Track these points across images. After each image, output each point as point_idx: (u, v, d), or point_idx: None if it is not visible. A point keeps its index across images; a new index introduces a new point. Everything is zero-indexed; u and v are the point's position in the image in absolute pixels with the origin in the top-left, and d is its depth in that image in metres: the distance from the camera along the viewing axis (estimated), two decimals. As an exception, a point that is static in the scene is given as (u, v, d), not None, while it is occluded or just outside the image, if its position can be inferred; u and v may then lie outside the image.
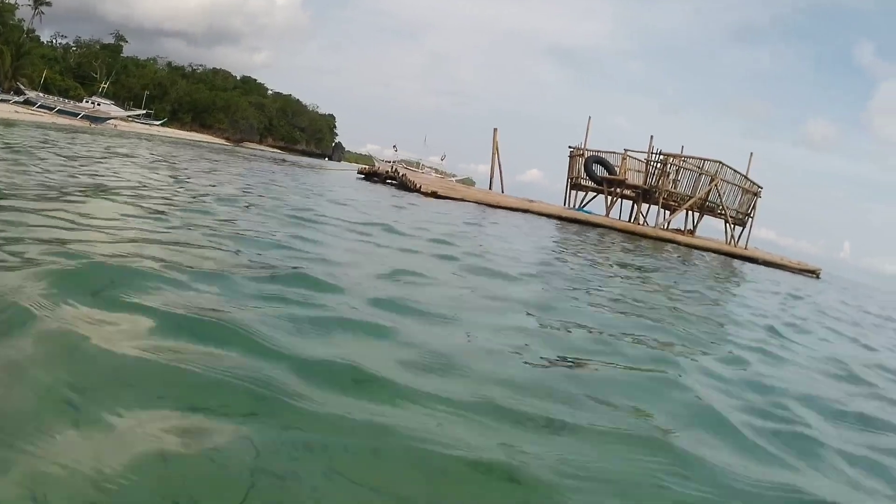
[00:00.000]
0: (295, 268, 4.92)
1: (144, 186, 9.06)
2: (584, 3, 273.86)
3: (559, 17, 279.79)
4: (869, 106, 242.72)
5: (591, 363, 3.95)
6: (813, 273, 35.10)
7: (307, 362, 2.80)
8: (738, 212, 35.23)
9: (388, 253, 7.20)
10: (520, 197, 32.21)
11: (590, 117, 37.05)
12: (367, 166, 35.22)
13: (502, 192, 34.53)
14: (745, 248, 34.27)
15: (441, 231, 10.96)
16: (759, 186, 35.73)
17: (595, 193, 35.68)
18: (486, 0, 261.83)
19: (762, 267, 28.50)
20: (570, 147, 36.42)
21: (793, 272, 31.94)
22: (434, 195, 24.49)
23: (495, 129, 33.91)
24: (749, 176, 35.24)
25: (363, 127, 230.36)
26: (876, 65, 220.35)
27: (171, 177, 11.80)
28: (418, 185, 25.50)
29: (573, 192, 36.46)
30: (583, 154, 35.37)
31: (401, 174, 29.37)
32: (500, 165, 34.49)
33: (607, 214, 33.24)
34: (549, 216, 26.68)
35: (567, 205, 35.35)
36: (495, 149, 33.80)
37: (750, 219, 35.70)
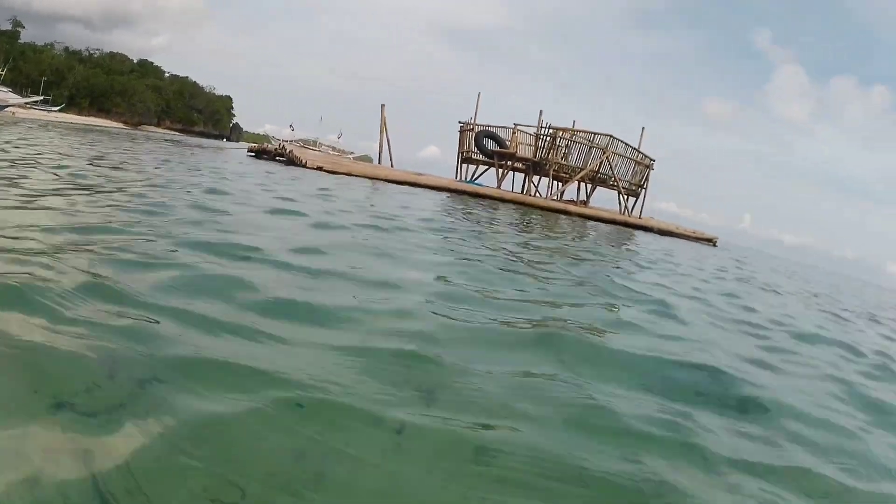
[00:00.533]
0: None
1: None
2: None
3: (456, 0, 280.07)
4: (765, 88, 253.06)
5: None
6: (709, 241, 35.47)
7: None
8: (630, 183, 35.02)
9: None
10: (413, 171, 30.98)
11: (479, 93, 36.12)
12: (257, 144, 33.74)
13: (392, 167, 33.33)
14: (640, 218, 34.21)
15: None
16: (651, 159, 35.68)
17: (486, 167, 34.94)
18: None
19: (658, 236, 28.34)
20: (460, 122, 35.59)
21: (689, 240, 32.14)
22: (320, 169, 23.69)
23: (382, 105, 32.66)
24: (641, 149, 35.11)
25: (261, 108, 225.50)
26: (772, 50, 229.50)
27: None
28: (304, 161, 24.57)
29: (464, 166, 35.66)
30: (472, 129, 34.65)
31: (288, 150, 28.05)
32: (388, 141, 33.34)
33: (498, 187, 32.45)
34: (437, 188, 25.46)
35: (458, 178, 34.36)
36: (383, 125, 32.65)
37: (643, 190, 35.57)
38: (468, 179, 33.80)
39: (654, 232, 30.75)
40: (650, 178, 35.60)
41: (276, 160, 28.30)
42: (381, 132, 32.71)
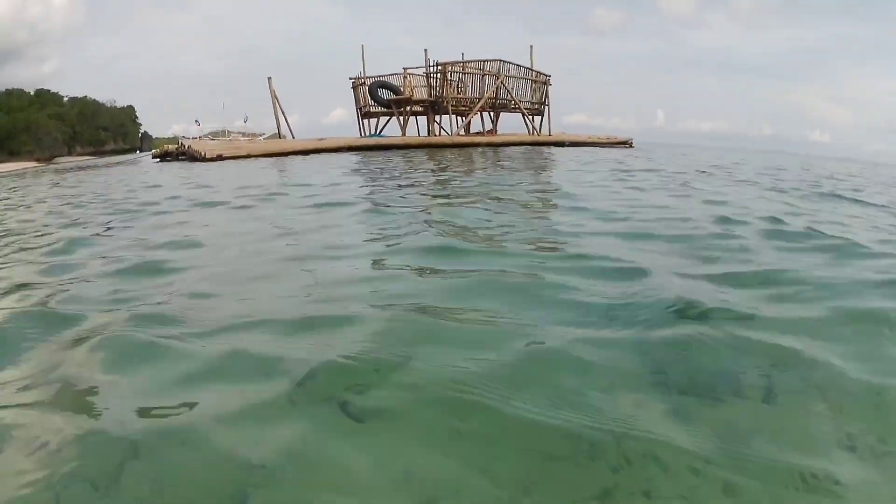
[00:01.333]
0: None
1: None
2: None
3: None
4: None
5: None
6: (625, 144, 35.88)
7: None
8: (531, 103, 35.04)
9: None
10: (316, 138, 30.11)
11: (362, 46, 35.43)
12: (158, 149, 32.47)
13: (293, 138, 32.42)
14: (550, 135, 34.31)
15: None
16: (546, 75, 35.70)
17: (387, 117, 34.38)
18: None
19: (573, 148, 28.44)
20: (350, 79, 34.86)
21: (604, 147, 32.39)
22: (220, 158, 22.61)
23: (269, 79, 31.35)
24: (535, 68, 35.00)
25: (165, 110, 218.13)
26: None
27: None
28: (204, 153, 23.41)
29: (366, 122, 35.06)
30: (364, 82, 33.97)
31: (187, 147, 26.93)
32: (283, 113, 32.31)
33: (403, 134, 31.98)
34: (340, 150, 24.87)
35: (362, 134, 33.77)
36: (274, 98, 31.46)
37: (546, 107, 35.62)
38: (372, 133, 33.18)
39: (567, 146, 30.86)
40: (549, 94, 35.71)
41: (179, 159, 27.23)
42: (274, 106, 31.64)
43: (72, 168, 32.72)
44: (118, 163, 36.78)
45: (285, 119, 32.60)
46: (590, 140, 34.19)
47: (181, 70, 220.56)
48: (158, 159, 29.63)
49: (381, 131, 34.31)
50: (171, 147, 29.04)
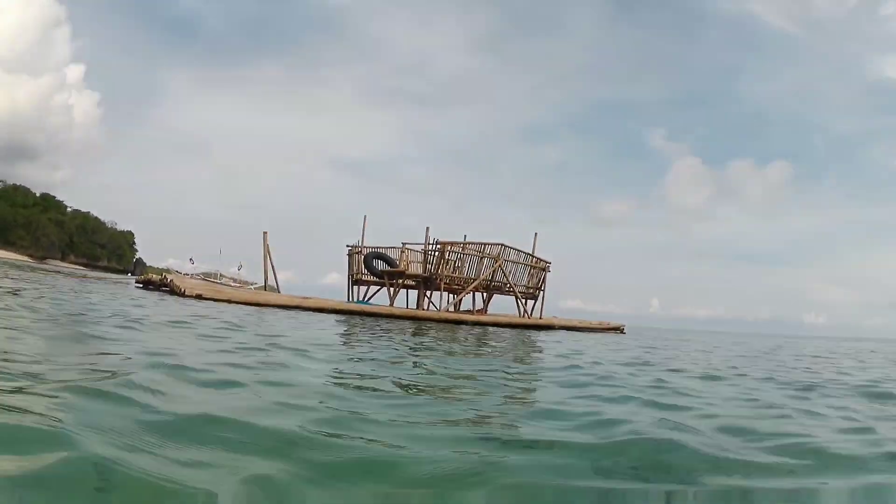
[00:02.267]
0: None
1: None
2: (366, 116, 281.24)
3: (343, 130, 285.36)
4: (662, 182, 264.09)
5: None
6: (617, 329, 35.32)
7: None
8: (527, 287, 34.68)
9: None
10: (303, 296, 29.50)
11: (365, 216, 35.51)
12: (143, 276, 32.37)
13: (279, 292, 31.93)
14: (541, 318, 33.71)
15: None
16: (546, 262, 35.61)
17: (378, 286, 34.03)
18: (272, 116, 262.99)
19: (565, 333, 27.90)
20: (347, 246, 34.88)
21: (595, 332, 31.85)
22: (199, 297, 22.28)
23: (265, 233, 31.56)
24: (536, 254, 34.97)
25: (162, 242, 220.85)
26: (667, 147, 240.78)
27: None
28: (183, 290, 23.11)
29: (355, 288, 34.69)
30: (360, 251, 33.95)
31: (169, 280, 26.70)
32: (273, 267, 32.07)
33: (391, 304, 31.44)
34: (324, 310, 24.17)
35: (350, 299, 33.26)
36: (266, 251, 31.45)
37: (541, 292, 35.23)
38: (360, 300, 32.68)
39: (557, 329, 30.28)
40: (547, 279, 35.42)
41: (161, 289, 27.05)
42: (265, 259, 31.52)
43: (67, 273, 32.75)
44: (107, 279, 36.63)
45: (274, 273, 32.31)
46: (581, 325, 33.62)
47: (185, 210, 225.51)
48: (142, 285, 29.54)
49: (369, 299, 33.84)
50: (156, 277, 28.86)
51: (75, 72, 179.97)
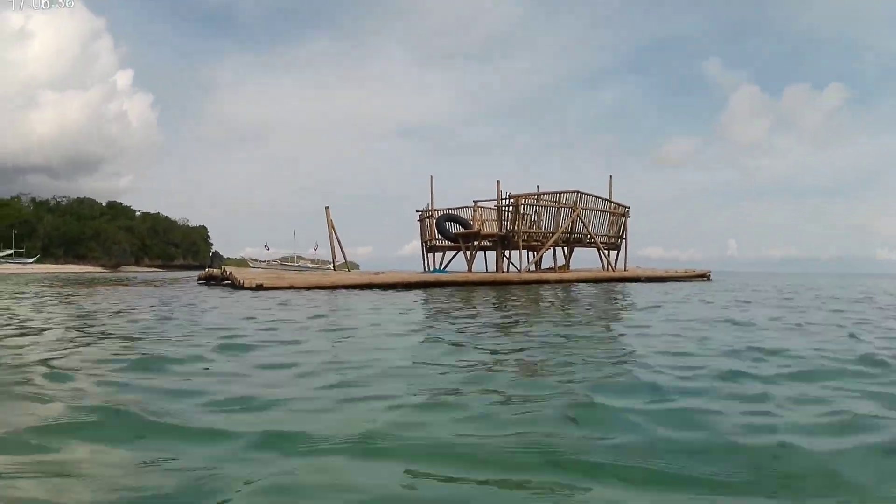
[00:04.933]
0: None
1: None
2: (420, 80, 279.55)
3: (399, 97, 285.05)
4: (722, 118, 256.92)
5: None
6: (703, 277, 33.60)
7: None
8: (608, 236, 32.95)
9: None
10: (375, 272, 28.45)
11: (431, 177, 34.22)
12: (205, 272, 31.76)
13: (347, 270, 30.81)
14: (626, 270, 32.03)
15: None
16: (625, 207, 33.88)
17: (454, 251, 32.65)
18: (324, 92, 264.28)
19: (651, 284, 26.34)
20: (417, 211, 33.57)
21: (682, 281, 30.28)
22: (260, 287, 21.11)
23: (327, 208, 30.24)
24: (612, 199, 33.15)
25: (237, 232, 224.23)
26: (725, 78, 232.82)
27: None
28: (242, 281, 22.07)
29: (430, 256, 33.34)
30: (431, 215, 32.60)
31: (228, 273, 25.80)
32: (339, 243, 30.83)
33: (469, 269, 30.03)
34: (396, 286, 22.98)
35: (426, 269, 32.02)
36: (330, 227, 30.17)
37: (623, 240, 33.55)
38: (437, 269, 31.35)
39: (643, 281, 28.68)
40: (627, 226, 33.76)
41: (223, 284, 26.26)
42: (330, 235, 30.28)
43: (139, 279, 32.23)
44: (172, 281, 36.32)
45: (341, 249, 31.13)
46: (667, 274, 31.86)
47: (255, 198, 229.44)
48: (204, 282, 28.88)
49: (445, 266, 32.50)
50: (216, 272, 28.10)
51: (124, 78, 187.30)
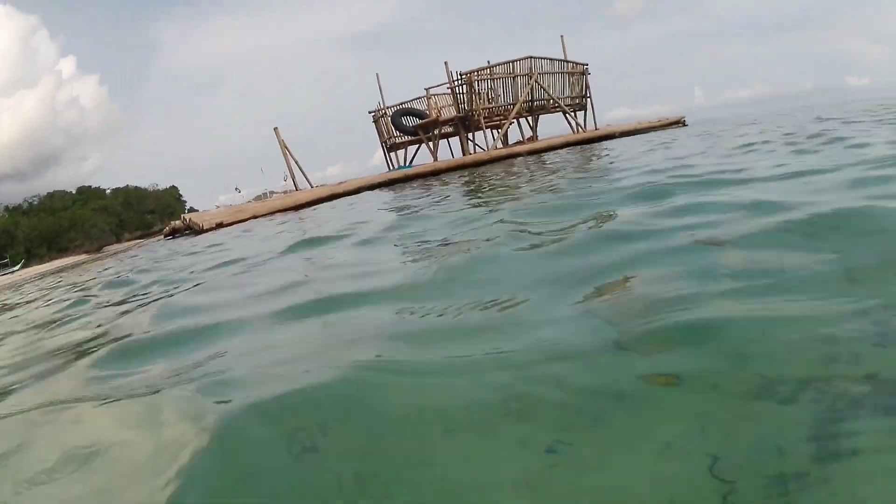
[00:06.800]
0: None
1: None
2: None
3: (340, 9, 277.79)
4: None
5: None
6: (678, 123, 32.11)
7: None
8: (571, 98, 31.35)
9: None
10: (337, 183, 26.78)
11: (377, 74, 32.09)
12: (167, 227, 29.94)
13: (311, 187, 29.01)
14: (597, 129, 30.58)
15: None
16: (583, 65, 32.15)
17: (416, 145, 31.05)
18: (269, 24, 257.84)
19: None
20: (370, 112, 31.75)
21: (657, 130, 28.96)
22: (221, 226, 19.67)
23: (276, 129, 28.33)
24: (568, 59, 31.42)
25: (208, 183, 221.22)
26: None
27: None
28: (202, 225, 20.51)
29: (392, 154, 31.75)
30: (385, 113, 30.82)
31: (188, 220, 24.18)
32: (295, 162, 28.98)
33: (434, 160, 28.48)
34: (360, 190, 21.54)
35: (390, 168, 30.41)
36: (283, 148, 28.31)
37: (588, 99, 31.99)
38: (402, 166, 29.74)
39: (618, 137, 27.26)
40: (589, 84, 32.12)
41: (185, 234, 24.68)
42: (285, 156, 28.45)
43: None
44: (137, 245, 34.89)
45: (300, 169, 29.35)
46: (641, 126, 30.37)
47: (219, 144, 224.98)
48: (171, 237, 27.30)
49: (411, 162, 30.93)
50: (178, 223, 26.38)
51: (68, 64, 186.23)
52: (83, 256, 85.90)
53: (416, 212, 7.51)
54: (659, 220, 3.50)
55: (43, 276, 29.57)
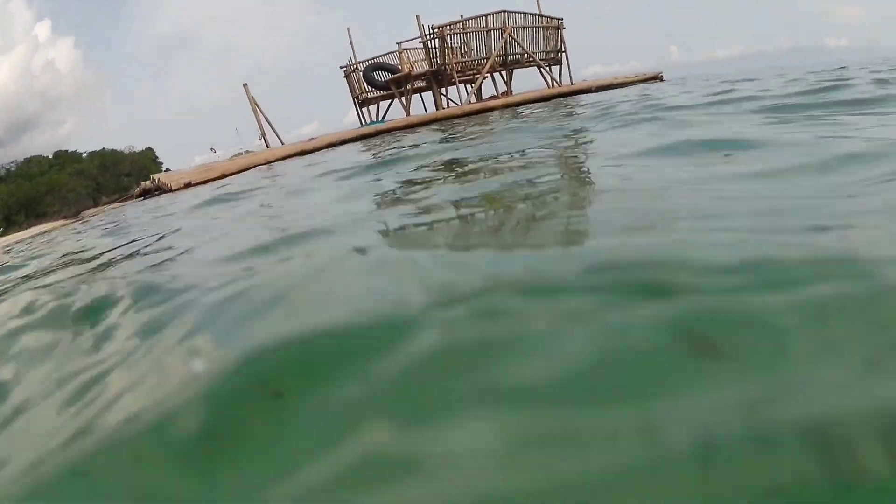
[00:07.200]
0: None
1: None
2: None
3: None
4: None
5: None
6: (655, 79, 31.57)
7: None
8: (546, 52, 30.89)
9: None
10: (308, 139, 26.16)
11: (348, 28, 31.31)
12: (138, 188, 29.08)
13: (282, 144, 28.31)
14: (572, 84, 30.19)
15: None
16: (558, 19, 31.75)
17: (389, 100, 30.50)
18: None
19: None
20: (341, 67, 31.08)
21: (635, 84, 28.55)
22: (189, 185, 18.93)
23: (245, 85, 27.55)
24: (542, 13, 30.94)
25: (184, 144, 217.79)
26: None
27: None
28: (170, 185, 19.82)
29: (364, 110, 31.14)
30: (356, 68, 30.18)
31: (157, 180, 23.43)
32: (266, 120, 28.26)
33: (407, 114, 27.97)
34: (333, 145, 21.03)
35: (362, 124, 29.90)
36: (253, 105, 27.61)
37: (563, 54, 31.49)
38: (374, 121, 29.20)
39: (594, 91, 26.85)
40: (564, 38, 31.60)
41: (155, 194, 23.98)
42: (256, 114, 27.78)
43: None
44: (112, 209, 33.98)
45: (271, 126, 28.71)
46: (617, 81, 29.93)
47: (195, 104, 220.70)
48: (142, 199, 26.56)
49: (383, 117, 30.41)
50: (147, 184, 25.69)
51: (43, 28, 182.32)
52: (61, 221, 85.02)
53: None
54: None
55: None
